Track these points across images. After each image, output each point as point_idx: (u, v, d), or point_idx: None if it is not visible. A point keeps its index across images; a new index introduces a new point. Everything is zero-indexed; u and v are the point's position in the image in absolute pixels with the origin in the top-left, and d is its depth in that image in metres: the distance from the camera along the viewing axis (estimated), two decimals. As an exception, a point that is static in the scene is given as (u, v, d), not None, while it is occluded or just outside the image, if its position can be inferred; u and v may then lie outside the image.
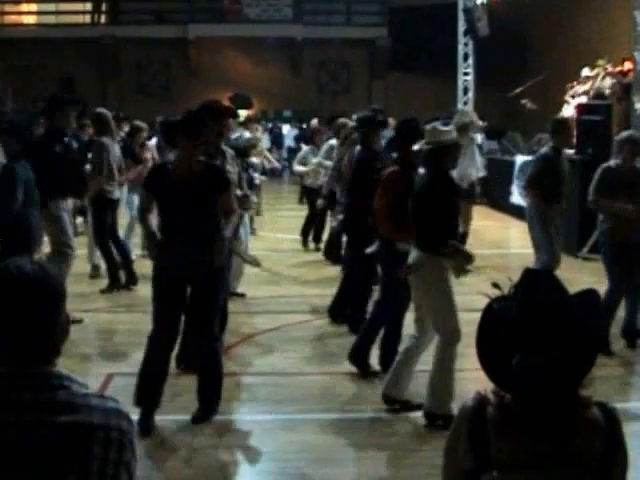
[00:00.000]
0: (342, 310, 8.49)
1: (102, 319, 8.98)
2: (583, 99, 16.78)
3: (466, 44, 21.57)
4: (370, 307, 7.55)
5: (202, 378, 5.99)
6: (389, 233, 6.65)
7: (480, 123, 13.26)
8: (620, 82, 15.61)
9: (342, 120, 10.75)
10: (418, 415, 6.07)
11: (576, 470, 2.20)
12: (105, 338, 8.25)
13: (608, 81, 16.46)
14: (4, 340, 2.06)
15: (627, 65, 15.36)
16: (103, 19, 33.23)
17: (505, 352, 2.22)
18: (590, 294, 2.35)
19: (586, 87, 17.19)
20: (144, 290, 10.14)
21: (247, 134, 11.10)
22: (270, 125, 29.12)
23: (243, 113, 12.00)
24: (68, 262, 8.57)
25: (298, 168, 13.38)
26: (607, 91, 16.20)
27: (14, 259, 2.10)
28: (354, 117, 12.63)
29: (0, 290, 2.06)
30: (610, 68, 16.47)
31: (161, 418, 5.95)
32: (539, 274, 2.31)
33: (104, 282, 10.22)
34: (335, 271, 11.27)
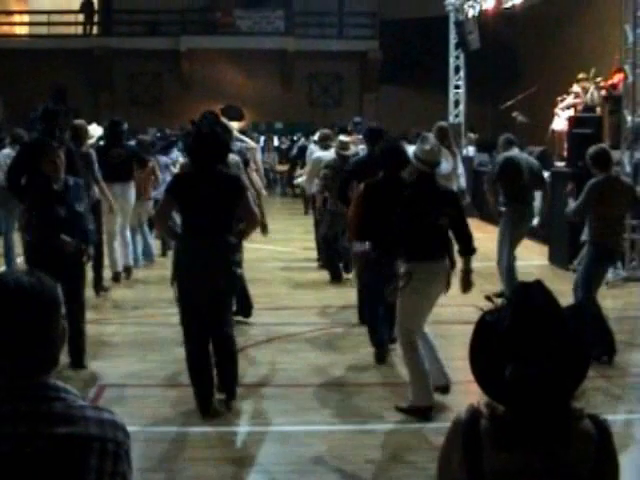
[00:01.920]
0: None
1: (94, 330, 8.96)
2: (573, 112, 16.85)
3: (457, 57, 21.62)
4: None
5: (221, 362, 6.43)
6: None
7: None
8: (611, 95, 15.67)
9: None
10: (411, 426, 6.09)
11: (567, 480, 2.21)
12: (96, 349, 8.22)
13: (596, 94, 16.54)
14: (1, 351, 2.07)
15: (617, 77, 15.43)
16: (95, 30, 33.26)
17: (497, 364, 2.24)
18: (581, 307, 2.38)
19: (575, 101, 17.26)
20: (135, 302, 10.19)
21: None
22: (264, 138, 29.10)
23: (235, 125, 11.97)
24: None
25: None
26: (597, 106, 16.27)
27: (10, 271, 2.11)
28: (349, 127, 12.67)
29: None
30: (603, 83, 16.53)
31: (151, 430, 5.97)
32: (532, 286, 2.33)
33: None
34: (325, 283, 11.30)
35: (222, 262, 6.26)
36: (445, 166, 10.36)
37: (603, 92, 16.29)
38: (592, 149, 8.11)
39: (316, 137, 14.91)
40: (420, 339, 6.43)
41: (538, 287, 2.31)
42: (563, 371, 2.22)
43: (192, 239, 6.30)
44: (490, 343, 2.28)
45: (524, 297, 2.28)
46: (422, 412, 6.22)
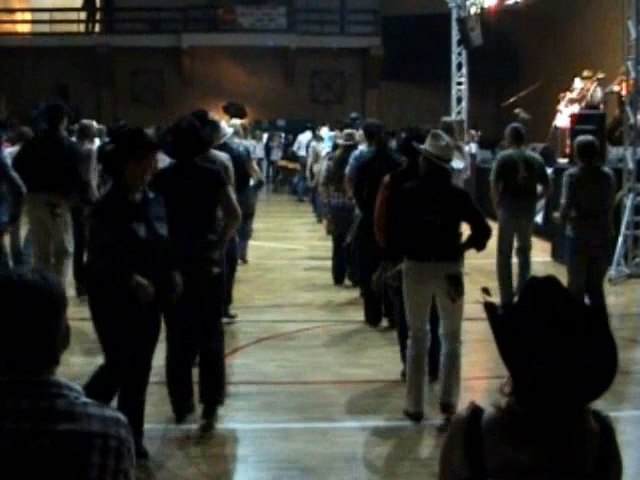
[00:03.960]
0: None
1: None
2: (575, 108, 16.82)
3: (459, 54, 21.56)
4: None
5: (202, 374, 6.11)
6: None
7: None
8: (619, 93, 15.57)
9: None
10: (413, 424, 6.08)
11: (571, 477, 2.20)
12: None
13: (599, 93, 16.50)
14: (4, 348, 2.07)
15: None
16: (97, 28, 33.27)
17: (526, 358, 2.17)
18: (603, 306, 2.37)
19: (578, 97, 17.22)
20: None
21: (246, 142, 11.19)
22: (266, 135, 29.05)
23: (237, 122, 11.95)
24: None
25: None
26: (599, 104, 16.24)
27: (15, 268, 2.11)
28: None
29: (1, 298, 2.07)
30: (617, 84, 16.45)
31: (153, 427, 5.96)
32: (544, 284, 2.26)
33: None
34: (328, 280, 11.30)
35: (201, 261, 5.95)
36: (458, 163, 10.40)
37: (605, 90, 16.23)
38: (579, 139, 8.08)
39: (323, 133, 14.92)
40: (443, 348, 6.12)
41: (552, 285, 2.25)
42: (595, 372, 2.21)
43: (172, 236, 5.84)
44: (514, 337, 2.21)
45: (538, 296, 2.22)
46: (411, 417, 6.10)
